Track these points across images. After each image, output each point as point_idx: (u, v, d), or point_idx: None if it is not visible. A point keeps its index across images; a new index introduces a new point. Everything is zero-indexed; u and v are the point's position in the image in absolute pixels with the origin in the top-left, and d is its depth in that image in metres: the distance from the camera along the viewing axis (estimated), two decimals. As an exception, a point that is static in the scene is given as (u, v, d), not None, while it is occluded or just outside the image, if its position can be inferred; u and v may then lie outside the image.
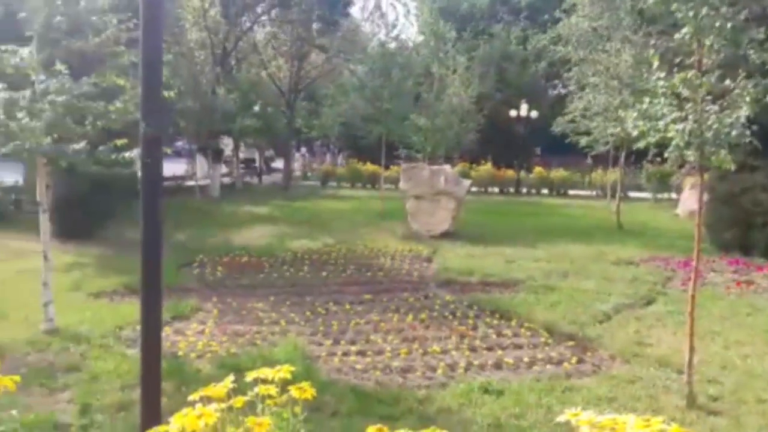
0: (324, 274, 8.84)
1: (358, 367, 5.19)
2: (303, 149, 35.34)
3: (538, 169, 25.09)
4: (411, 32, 32.29)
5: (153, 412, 2.13)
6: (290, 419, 2.10)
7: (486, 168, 24.48)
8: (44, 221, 5.61)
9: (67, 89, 4.71)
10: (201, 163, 21.31)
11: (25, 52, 4.80)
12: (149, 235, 2.33)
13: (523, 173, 24.89)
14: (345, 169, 26.72)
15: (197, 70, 17.71)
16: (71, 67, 4.98)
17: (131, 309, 6.56)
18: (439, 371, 5.15)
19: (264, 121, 18.91)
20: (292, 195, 20.07)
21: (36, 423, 3.84)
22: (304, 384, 2.20)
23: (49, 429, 3.83)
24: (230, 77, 19.61)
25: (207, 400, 2.07)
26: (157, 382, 2.20)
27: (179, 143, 24.64)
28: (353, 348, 5.67)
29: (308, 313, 6.75)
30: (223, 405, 2.02)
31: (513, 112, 24.65)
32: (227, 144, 22.77)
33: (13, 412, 3.24)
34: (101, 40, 4.99)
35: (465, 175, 18.25)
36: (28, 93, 4.77)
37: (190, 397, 2.16)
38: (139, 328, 5.88)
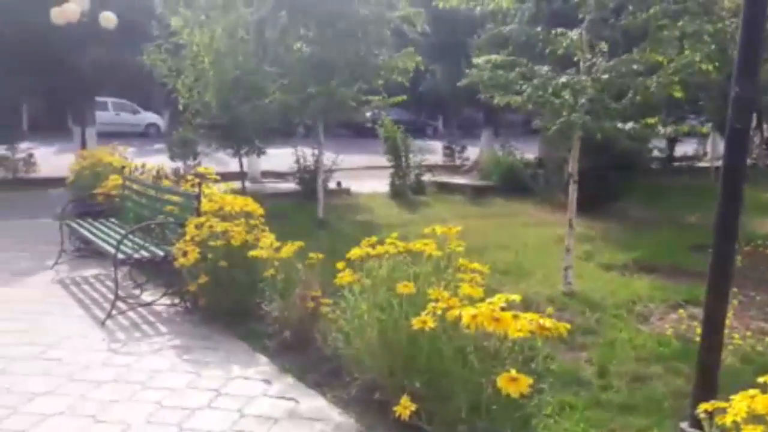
0: None
1: None
2: None
3: None
4: None
5: (708, 389, 2.08)
6: None
7: None
8: (572, 191, 6.07)
9: (612, 67, 4.95)
10: (715, 143, 19.61)
11: (574, 33, 5.27)
12: (727, 208, 2.19)
13: None
14: None
15: (727, 39, 16.19)
16: (612, 44, 5.21)
17: (641, 285, 6.59)
18: None
19: (802, 94, 16.05)
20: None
21: (560, 372, 4.24)
22: None
23: (572, 380, 4.17)
24: None
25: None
26: (716, 364, 2.13)
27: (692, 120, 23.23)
28: None
29: None
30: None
31: None
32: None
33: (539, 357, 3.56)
34: (648, 16, 5.01)
35: None
36: (573, 72, 5.24)
37: (760, 379, 2.04)
38: (650, 305, 5.95)
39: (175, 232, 5.75)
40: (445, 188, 14.19)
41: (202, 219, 5.30)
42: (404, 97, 10.50)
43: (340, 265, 4.01)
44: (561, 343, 4.82)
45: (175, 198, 6.17)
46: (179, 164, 12.13)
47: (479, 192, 13.53)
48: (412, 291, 3.47)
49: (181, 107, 11.19)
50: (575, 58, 5.44)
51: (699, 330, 4.94)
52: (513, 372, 2.71)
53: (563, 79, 5.15)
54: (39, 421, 3.55)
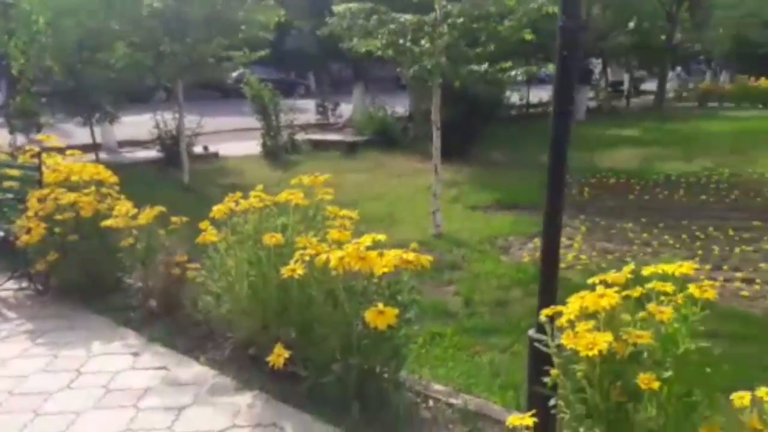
0: (702, 197, 8.13)
1: (744, 294, 4.75)
2: (678, 68, 31.85)
3: None
4: None
5: (550, 297, 2.32)
6: (689, 316, 2.01)
7: None
8: (436, 138, 6.26)
9: (467, 11, 5.08)
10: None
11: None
12: (558, 133, 2.34)
13: None
14: (731, 87, 23.31)
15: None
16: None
17: (503, 221, 7.06)
18: None
19: (639, 38, 17.55)
20: (663, 116, 18.44)
21: (431, 306, 4.45)
22: (706, 283, 2.06)
23: (441, 312, 4.41)
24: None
25: (606, 284, 2.13)
26: (553, 277, 2.38)
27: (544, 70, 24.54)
28: (738, 275, 5.18)
29: (684, 237, 6.29)
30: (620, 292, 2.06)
31: None
32: (596, 65, 21.91)
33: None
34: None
35: None
36: (431, 17, 5.33)
37: (589, 281, 2.27)
38: (510, 238, 6.38)
39: (15, 209, 5.23)
40: (319, 146, 14.08)
41: (46, 191, 4.88)
42: (266, 51, 10.18)
43: (203, 224, 3.89)
44: (430, 279, 5.07)
45: (13, 172, 5.62)
46: (21, 138, 11.05)
47: (353, 147, 13.57)
48: (280, 242, 3.44)
49: (15, 73, 10.10)
50: (435, 5, 5.52)
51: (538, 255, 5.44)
52: (380, 306, 2.80)
53: (417, 21, 5.20)
54: None
